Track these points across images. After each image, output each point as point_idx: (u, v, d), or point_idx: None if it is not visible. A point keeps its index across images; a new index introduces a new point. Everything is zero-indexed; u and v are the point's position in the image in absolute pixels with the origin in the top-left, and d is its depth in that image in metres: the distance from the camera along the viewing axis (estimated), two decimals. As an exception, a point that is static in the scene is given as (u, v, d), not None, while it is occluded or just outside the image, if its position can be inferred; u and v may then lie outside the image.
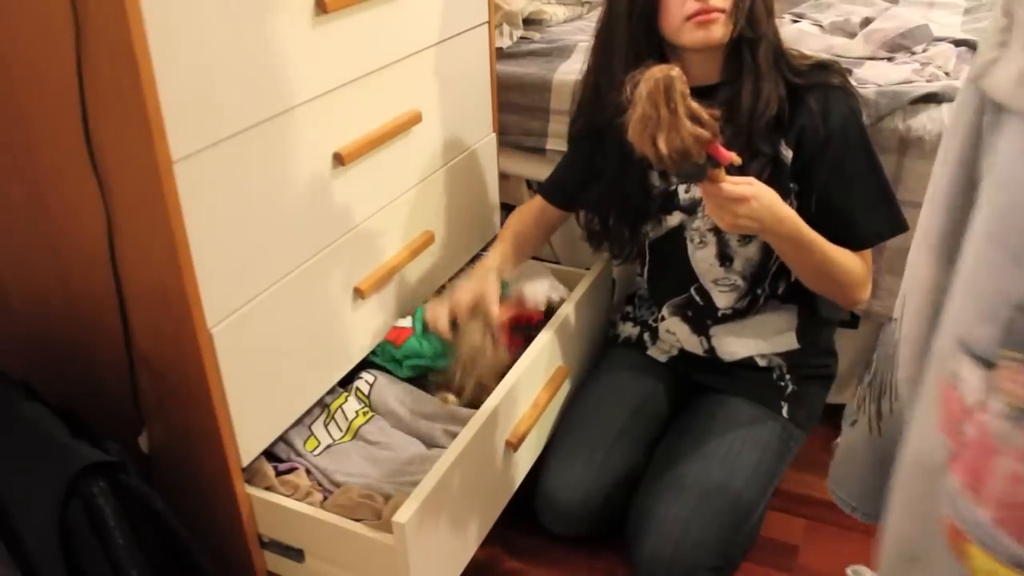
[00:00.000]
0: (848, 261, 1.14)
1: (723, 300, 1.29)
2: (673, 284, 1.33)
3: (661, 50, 1.18)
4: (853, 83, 1.22)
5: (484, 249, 1.54)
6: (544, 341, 1.27)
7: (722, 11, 1.10)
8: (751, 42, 1.13)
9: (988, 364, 0.52)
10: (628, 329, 1.45)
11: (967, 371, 0.54)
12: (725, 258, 1.25)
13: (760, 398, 1.29)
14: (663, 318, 1.37)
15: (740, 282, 1.26)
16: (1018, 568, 0.52)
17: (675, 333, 1.36)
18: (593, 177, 1.30)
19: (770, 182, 1.07)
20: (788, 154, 1.16)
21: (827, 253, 1.12)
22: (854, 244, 1.15)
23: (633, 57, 1.13)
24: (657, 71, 0.93)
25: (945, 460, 0.58)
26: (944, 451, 0.58)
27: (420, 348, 1.26)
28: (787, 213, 1.08)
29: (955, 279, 0.56)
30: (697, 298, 1.32)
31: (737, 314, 1.30)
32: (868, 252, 1.18)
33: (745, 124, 1.13)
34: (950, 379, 0.56)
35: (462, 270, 1.48)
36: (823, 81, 1.16)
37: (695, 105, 0.94)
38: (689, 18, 1.10)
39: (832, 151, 1.14)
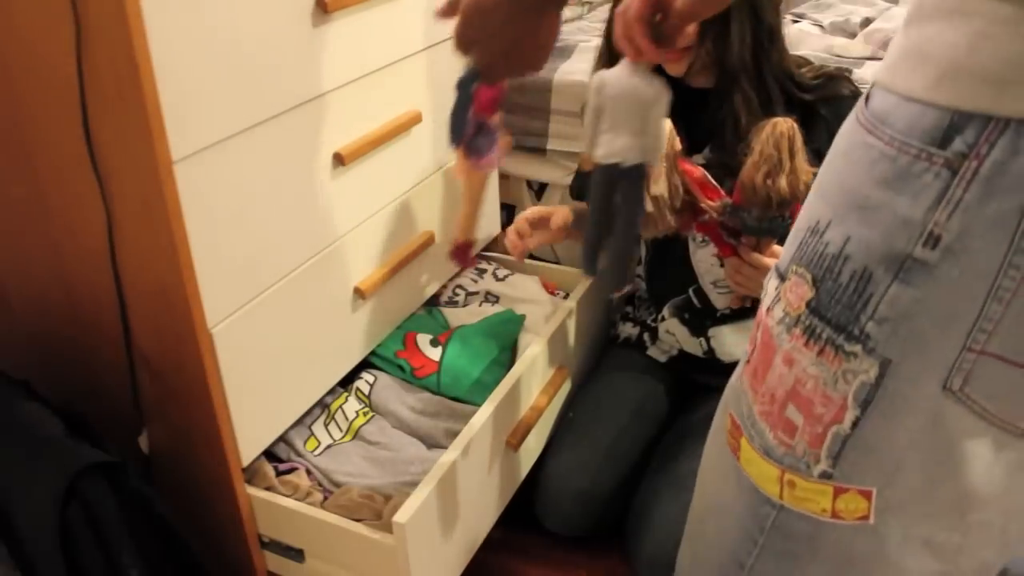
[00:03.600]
0: None
1: (721, 301, 1.29)
2: (672, 284, 1.33)
3: None
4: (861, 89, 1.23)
5: (484, 249, 1.54)
6: (544, 341, 1.27)
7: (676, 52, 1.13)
8: (733, 77, 1.14)
9: (782, 277, 0.58)
10: (628, 329, 1.45)
11: (770, 282, 0.61)
12: None
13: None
14: (663, 319, 1.37)
15: None
16: (767, 456, 0.57)
17: (674, 334, 1.36)
18: None
19: None
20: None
21: None
22: None
23: None
24: (782, 122, 1.00)
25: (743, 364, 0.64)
26: (744, 356, 0.64)
27: (442, 379, 1.26)
28: None
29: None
30: (695, 300, 1.31)
31: (735, 315, 1.30)
32: None
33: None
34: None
35: (462, 271, 1.48)
36: (834, 93, 1.16)
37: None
38: None
39: None
